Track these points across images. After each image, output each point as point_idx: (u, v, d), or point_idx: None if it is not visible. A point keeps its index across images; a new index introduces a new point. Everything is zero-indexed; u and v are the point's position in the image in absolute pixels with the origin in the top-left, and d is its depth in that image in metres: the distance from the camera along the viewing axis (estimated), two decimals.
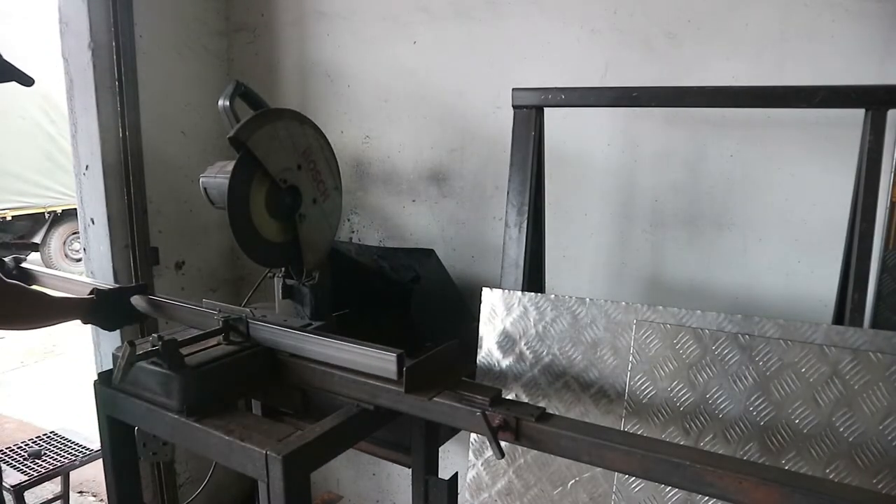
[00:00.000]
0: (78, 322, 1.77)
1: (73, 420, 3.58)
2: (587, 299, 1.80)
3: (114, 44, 2.47)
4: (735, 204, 2.13)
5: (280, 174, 1.75)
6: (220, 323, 1.72)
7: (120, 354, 1.55)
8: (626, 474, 1.62)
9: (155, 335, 1.54)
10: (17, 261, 2.26)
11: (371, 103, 2.72)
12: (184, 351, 1.58)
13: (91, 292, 1.81)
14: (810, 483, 1.12)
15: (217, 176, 1.74)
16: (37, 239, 9.27)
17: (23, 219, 9.11)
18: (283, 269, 1.97)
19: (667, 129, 2.19)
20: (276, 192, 1.77)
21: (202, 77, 2.91)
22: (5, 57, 1.74)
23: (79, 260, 8.81)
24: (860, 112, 1.66)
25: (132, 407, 1.63)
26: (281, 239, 1.83)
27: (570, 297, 1.82)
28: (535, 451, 1.68)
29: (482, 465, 1.91)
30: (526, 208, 1.98)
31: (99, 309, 1.79)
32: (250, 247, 1.77)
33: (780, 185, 2.07)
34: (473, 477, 1.93)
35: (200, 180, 1.79)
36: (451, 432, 2.15)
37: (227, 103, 1.78)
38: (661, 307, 1.71)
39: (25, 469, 2.82)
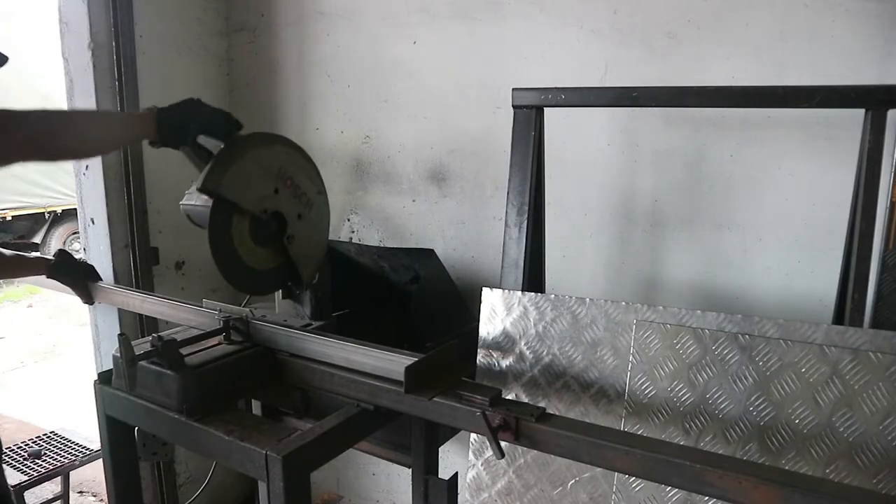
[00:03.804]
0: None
1: (73, 420, 3.58)
2: (587, 299, 1.80)
3: (114, 44, 2.47)
4: (735, 204, 2.13)
5: (259, 207, 1.66)
6: (221, 323, 1.72)
7: (119, 356, 1.55)
8: (626, 474, 1.62)
9: (155, 335, 1.55)
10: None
11: (371, 103, 2.72)
12: (184, 351, 1.58)
13: (55, 253, 2.24)
14: (810, 483, 1.12)
15: (197, 204, 1.64)
16: (37, 239, 9.27)
17: (23, 219, 9.11)
18: None
19: (667, 129, 2.19)
20: (258, 224, 1.69)
21: (202, 77, 2.91)
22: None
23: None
24: (860, 112, 1.66)
25: (132, 407, 1.63)
26: (274, 264, 1.76)
27: (570, 297, 1.83)
28: (535, 451, 1.68)
29: (482, 465, 1.92)
30: (526, 208, 1.98)
31: (61, 267, 2.19)
32: (244, 283, 1.71)
33: (780, 185, 2.07)
34: (473, 477, 1.93)
35: (181, 207, 1.69)
36: (451, 432, 2.15)
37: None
38: (661, 307, 1.71)
39: (25, 469, 2.82)
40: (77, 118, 1.58)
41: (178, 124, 1.55)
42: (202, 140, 1.60)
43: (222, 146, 1.61)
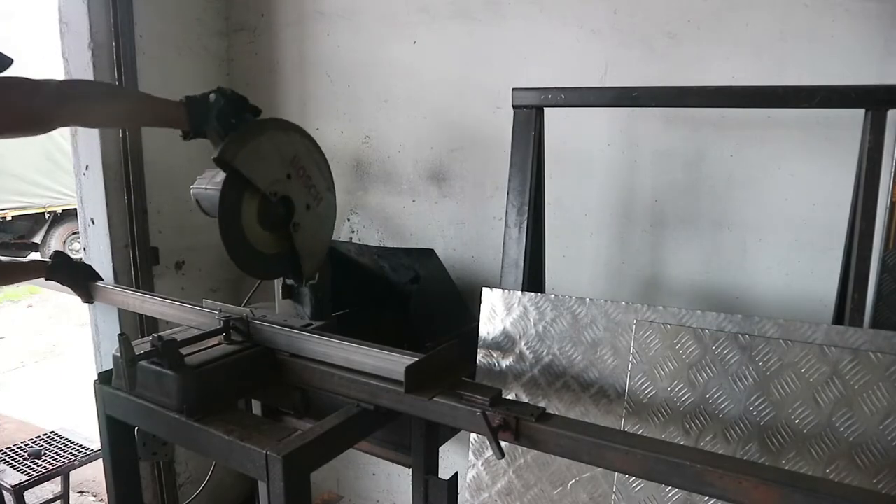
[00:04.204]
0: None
1: (73, 420, 3.58)
2: (587, 299, 1.80)
3: (114, 44, 2.47)
4: (735, 204, 2.13)
5: (270, 188, 1.69)
6: (221, 323, 1.72)
7: (119, 356, 1.55)
8: (626, 474, 1.62)
9: (154, 335, 1.55)
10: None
11: (371, 103, 2.72)
12: (184, 351, 1.58)
13: (51, 255, 2.24)
14: (810, 483, 1.12)
15: (208, 188, 1.69)
16: (37, 239, 9.28)
17: (23, 219, 9.12)
18: None
19: (667, 129, 2.19)
20: (267, 205, 1.72)
21: (202, 77, 2.91)
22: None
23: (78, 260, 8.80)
24: (860, 112, 1.66)
25: (132, 407, 1.63)
26: (277, 250, 1.79)
27: (570, 297, 1.83)
28: (535, 451, 1.68)
29: (482, 465, 1.92)
30: (526, 208, 1.98)
31: (59, 268, 2.21)
32: (246, 263, 1.73)
33: (780, 185, 2.07)
34: (473, 477, 1.93)
35: (192, 191, 1.74)
36: (451, 432, 2.14)
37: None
38: (661, 307, 1.71)
39: (25, 469, 2.82)
40: (95, 97, 1.58)
41: (203, 106, 1.61)
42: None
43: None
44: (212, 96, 1.63)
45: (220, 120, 1.62)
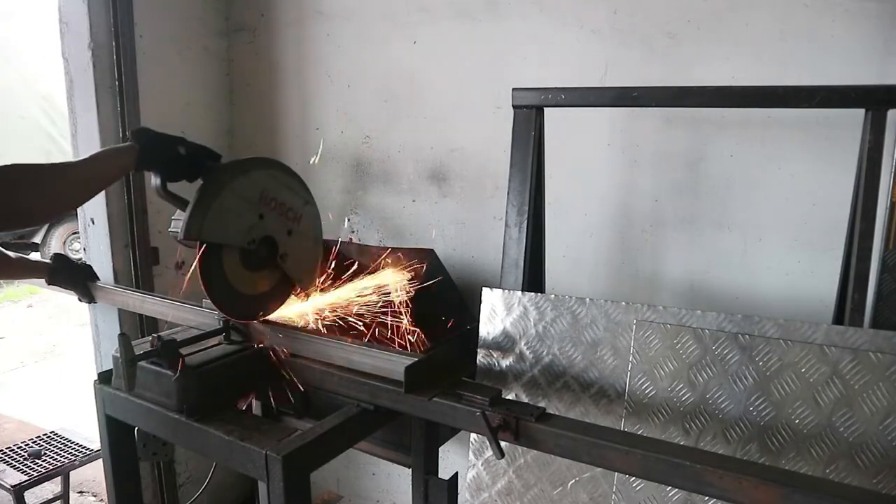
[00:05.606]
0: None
1: (73, 420, 3.58)
2: (587, 299, 1.80)
3: (114, 44, 2.47)
4: (735, 204, 2.13)
5: (246, 239, 1.60)
6: (221, 323, 1.72)
7: (119, 356, 1.55)
8: (626, 474, 1.62)
9: (154, 335, 1.55)
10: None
11: (371, 103, 2.72)
12: (184, 351, 1.58)
13: (51, 258, 2.21)
14: (810, 483, 1.12)
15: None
16: (37, 239, 9.26)
17: None
18: None
19: (667, 129, 2.19)
20: (249, 253, 1.64)
21: (202, 77, 2.91)
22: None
23: (79, 260, 8.80)
24: (860, 112, 1.66)
25: (132, 407, 1.63)
26: (273, 282, 1.73)
27: (570, 297, 1.83)
28: (535, 451, 1.69)
29: (482, 465, 1.92)
30: (526, 208, 1.98)
31: (60, 272, 2.17)
32: (249, 313, 1.70)
33: (780, 185, 2.07)
34: (473, 477, 1.93)
35: (170, 233, 1.62)
36: (451, 432, 2.15)
37: (160, 188, 1.57)
38: (661, 307, 1.71)
39: (25, 469, 2.82)
40: (24, 183, 1.39)
41: (161, 141, 1.52)
42: (174, 188, 1.56)
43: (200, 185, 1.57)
44: (181, 149, 1.53)
45: (188, 175, 1.55)
